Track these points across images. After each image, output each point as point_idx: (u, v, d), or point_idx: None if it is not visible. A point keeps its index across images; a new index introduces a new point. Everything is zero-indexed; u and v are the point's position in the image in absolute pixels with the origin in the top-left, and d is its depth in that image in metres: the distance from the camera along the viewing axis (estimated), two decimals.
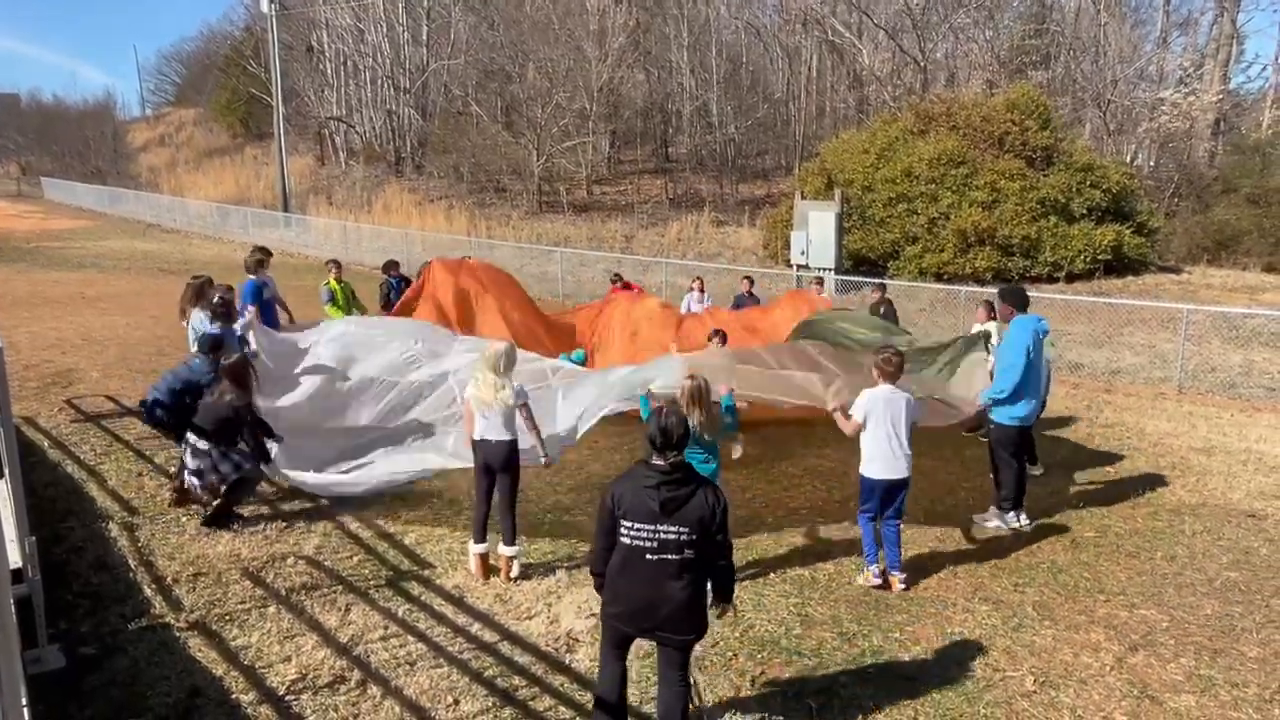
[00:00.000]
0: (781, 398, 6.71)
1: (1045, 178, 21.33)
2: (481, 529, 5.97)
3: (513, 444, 5.86)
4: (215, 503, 6.64)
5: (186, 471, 6.60)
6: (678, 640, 3.89)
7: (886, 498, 5.80)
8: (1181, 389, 11.69)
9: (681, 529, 3.73)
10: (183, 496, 6.89)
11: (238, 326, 8.10)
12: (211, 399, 6.63)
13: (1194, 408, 10.97)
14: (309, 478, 6.89)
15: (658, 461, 3.80)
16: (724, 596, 4.05)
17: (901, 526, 5.93)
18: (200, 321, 8.24)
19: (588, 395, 6.76)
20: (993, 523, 7.04)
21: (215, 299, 8.15)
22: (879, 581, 5.84)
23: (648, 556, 3.74)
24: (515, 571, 5.94)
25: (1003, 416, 6.95)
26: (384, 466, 7.01)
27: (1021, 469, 7.09)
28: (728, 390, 6.09)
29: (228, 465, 6.57)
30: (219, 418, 6.52)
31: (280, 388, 7.35)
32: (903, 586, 5.84)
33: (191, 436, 6.56)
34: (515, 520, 5.99)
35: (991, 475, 7.24)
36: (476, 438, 5.88)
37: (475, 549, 5.97)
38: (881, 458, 5.71)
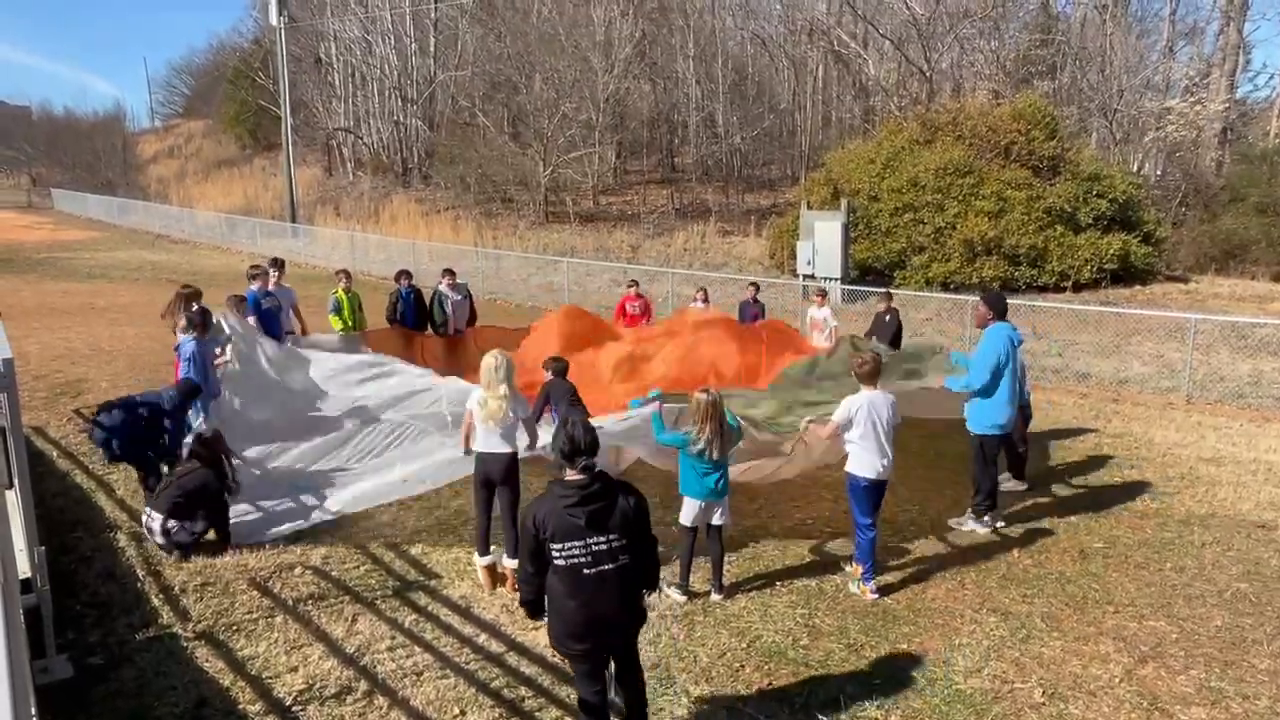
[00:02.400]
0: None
1: (1051, 187, 21.33)
2: (484, 541, 5.98)
3: (513, 456, 5.87)
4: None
5: (155, 536, 6.26)
6: (626, 639, 4.00)
7: (875, 499, 5.97)
8: (1190, 399, 11.64)
9: (611, 537, 3.74)
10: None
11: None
12: (181, 475, 6.43)
13: (1202, 417, 10.92)
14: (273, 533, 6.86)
15: (573, 476, 3.75)
16: (650, 586, 4.08)
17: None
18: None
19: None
20: (968, 526, 7.11)
21: (194, 309, 8.17)
22: (876, 595, 5.87)
23: (585, 573, 3.71)
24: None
25: (981, 425, 7.07)
26: (349, 493, 7.06)
27: (996, 474, 7.24)
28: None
29: (200, 523, 6.36)
30: (184, 492, 6.27)
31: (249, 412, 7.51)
32: (872, 592, 5.92)
33: (156, 516, 6.22)
34: (518, 532, 5.98)
35: (971, 482, 7.26)
36: (478, 450, 5.88)
37: (480, 561, 5.98)
38: (870, 459, 5.88)
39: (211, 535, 6.49)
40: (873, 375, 5.93)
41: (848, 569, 6.22)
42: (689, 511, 5.79)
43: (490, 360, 5.95)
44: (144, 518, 6.37)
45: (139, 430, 6.96)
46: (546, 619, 3.92)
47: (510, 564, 5.92)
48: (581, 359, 9.29)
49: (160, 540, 6.25)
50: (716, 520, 5.84)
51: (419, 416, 7.55)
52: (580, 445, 3.75)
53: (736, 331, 10.50)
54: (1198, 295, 20.53)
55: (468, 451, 6.02)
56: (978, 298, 7.86)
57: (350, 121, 44.36)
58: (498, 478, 5.86)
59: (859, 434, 5.85)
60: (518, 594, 5.76)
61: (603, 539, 3.72)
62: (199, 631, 5.25)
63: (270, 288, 10.35)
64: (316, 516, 6.92)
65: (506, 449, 5.82)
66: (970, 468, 7.29)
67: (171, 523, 6.20)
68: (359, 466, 7.36)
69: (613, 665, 4.05)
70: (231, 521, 6.59)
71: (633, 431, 6.50)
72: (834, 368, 8.98)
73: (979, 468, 7.13)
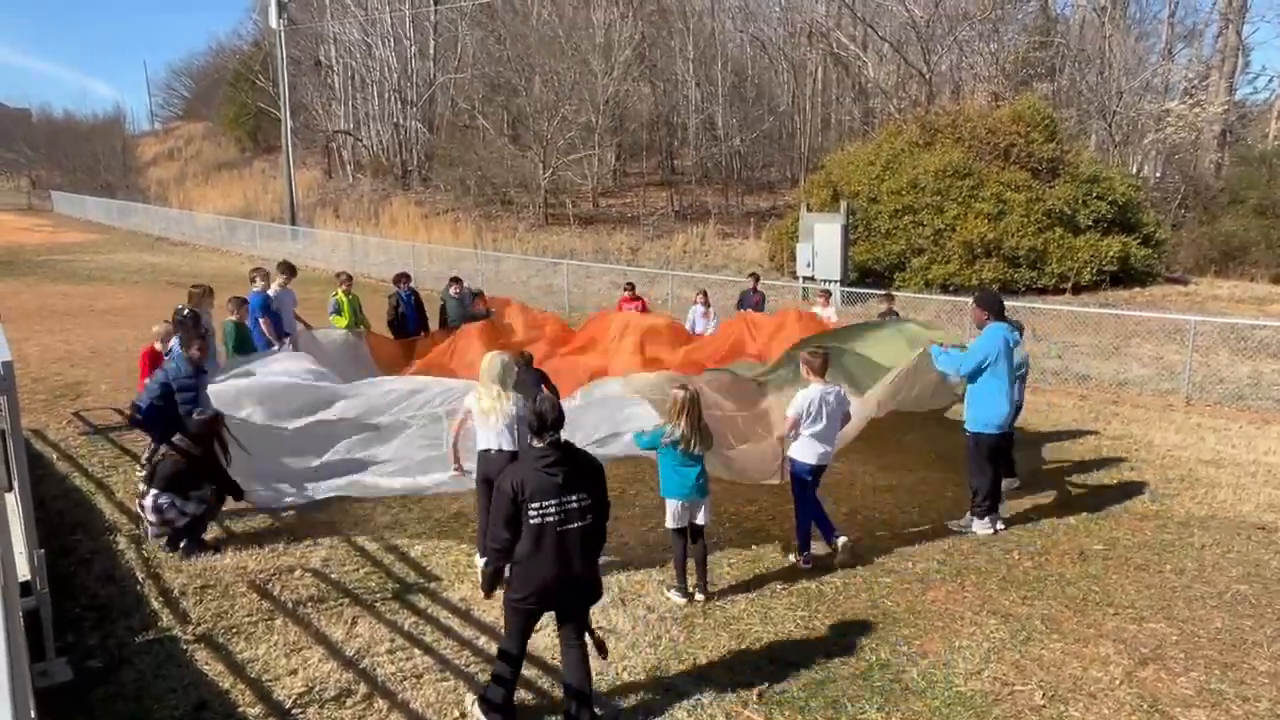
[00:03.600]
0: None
1: (1051, 189, 21.34)
2: (484, 543, 5.97)
3: (514, 455, 5.85)
4: (175, 535, 6.43)
5: (147, 514, 6.32)
6: (584, 608, 4.37)
7: (815, 480, 6.46)
8: (1189, 400, 11.64)
9: (581, 496, 4.16)
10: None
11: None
12: (171, 454, 6.42)
13: (1202, 419, 10.92)
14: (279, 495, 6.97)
15: (542, 444, 4.16)
16: (599, 549, 4.44)
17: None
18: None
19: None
20: (969, 528, 7.12)
21: (183, 310, 8.15)
22: (809, 566, 6.33)
23: (557, 530, 4.10)
24: None
25: (977, 424, 7.08)
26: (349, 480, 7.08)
27: (997, 475, 7.23)
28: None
29: (191, 505, 6.36)
30: (175, 472, 6.32)
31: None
32: (845, 546, 6.38)
33: (151, 491, 6.29)
34: (494, 498, 5.97)
35: (969, 481, 7.26)
36: (480, 448, 5.89)
37: (481, 563, 5.97)
38: (815, 446, 6.32)
39: (212, 535, 6.50)
40: (822, 369, 6.34)
41: (837, 558, 6.39)
42: (672, 513, 5.81)
43: (486, 360, 5.98)
44: (136, 500, 6.42)
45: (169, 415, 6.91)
46: (512, 582, 4.24)
47: None
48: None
49: (153, 519, 6.25)
50: (700, 519, 5.84)
51: (414, 417, 7.52)
52: (548, 420, 4.16)
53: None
54: (1197, 297, 20.54)
55: (456, 468, 6.08)
56: (972, 299, 7.87)
57: (350, 124, 44.39)
58: (497, 476, 5.85)
59: (806, 424, 6.27)
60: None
61: (574, 498, 4.14)
62: (198, 634, 5.25)
63: (272, 290, 10.38)
64: (320, 491, 6.95)
65: (508, 447, 5.81)
66: (966, 467, 7.27)
67: (164, 498, 6.21)
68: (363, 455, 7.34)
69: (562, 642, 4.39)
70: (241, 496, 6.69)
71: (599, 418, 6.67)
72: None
73: (974, 467, 7.12)
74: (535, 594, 4.17)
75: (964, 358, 7.08)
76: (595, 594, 4.38)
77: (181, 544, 6.37)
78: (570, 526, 4.12)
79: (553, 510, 4.08)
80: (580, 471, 4.19)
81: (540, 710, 4.58)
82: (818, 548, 6.49)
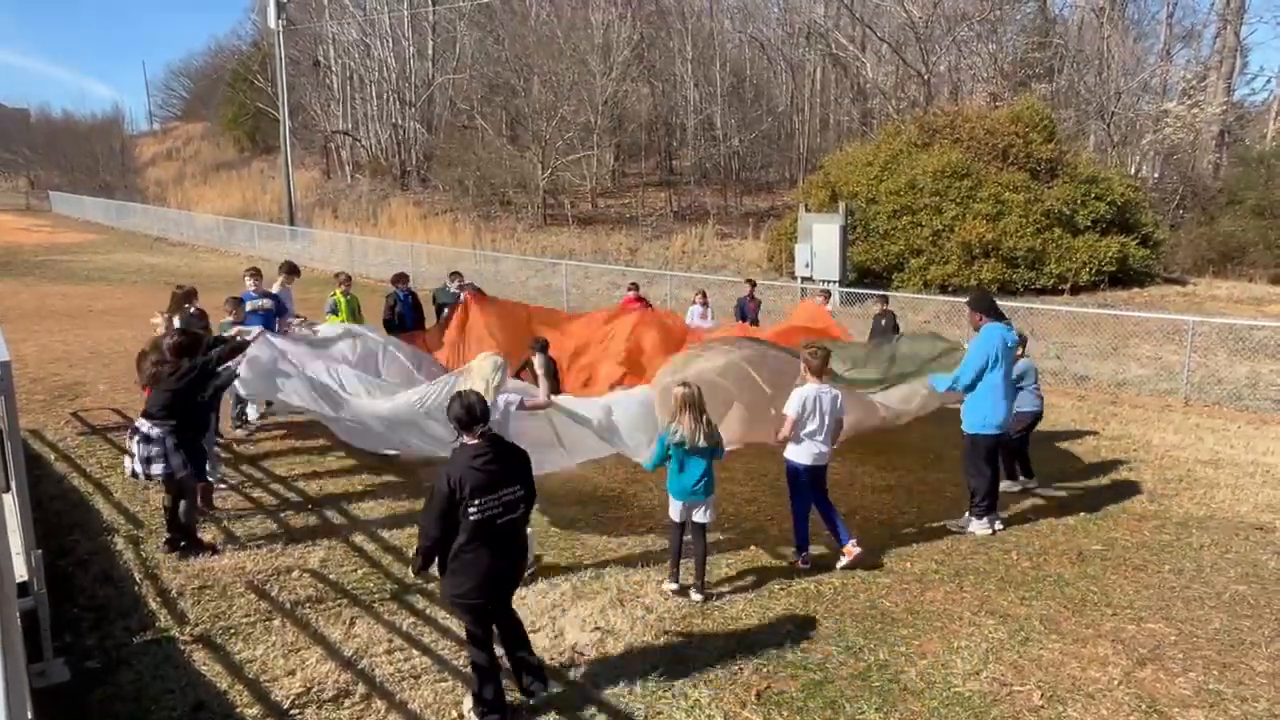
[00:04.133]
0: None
1: (1049, 190, 21.36)
2: None
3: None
4: (171, 535, 6.41)
5: (134, 460, 6.17)
6: (515, 585, 4.55)
7: (814, 481, 6.40)
8: (1188, 401, 11.65)
9: (515, 487, 4.27)
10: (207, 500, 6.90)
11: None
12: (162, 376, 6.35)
13: (1201, 420, 10.93)
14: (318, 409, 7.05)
15: (475, 440, 4.22)
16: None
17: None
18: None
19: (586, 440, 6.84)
20: (967, 528, 7.12)
21: (191, 310, 8.14)
22: (808, 566, 6.30)
23: (498, 523, 4.18)
24: (527, 572, 5.94)
25: (975, 425, 7.06)
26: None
27: (995, 476, 7.23)
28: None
29: (177, 459, 6.16)
30: (168, 392, 6.18)
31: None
32: (857, 550, 6.31)
33: (144, 423, 6.16)
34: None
35: (967, 482, 7.27)
36: None
37: None
38: (810, 447, 6.30)
39: (210, 536, 6.50)
40: (820, 369, 6.31)
41: (842, 562, 6.35)
42: (675, 508, 5.84)
43: (478, 360, 5.96)
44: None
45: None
46: (450, 579, 4.24)
47: None
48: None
49: (139, 450, 6.10)
50: (699, 518, 5.84)
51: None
52: (476, 414, 4.24)
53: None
54: (1195, 297, 20.56)
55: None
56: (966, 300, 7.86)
57: (348, 124, 44.39)
58: None
59: (803, 424, 6.24)
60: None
61: (509, 490, 4.23)
62: (196, 635, 5.24)
63: (276, 289, 10.40)
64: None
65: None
66: (964, 468, 7.27)
67: (157, 429, 6.09)
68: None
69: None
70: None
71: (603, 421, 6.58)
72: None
73: (973, 468, 7.10)
74: (478, 588, 4.21)
75: (961, 370, 7.04)
76: (522, 574, 4.60)
77: (181, 544, 6.37)
78: (509, 518, 4.23)
79: (492, 505, 4.14)
80: (512, 464, 4.29)
81: (540, 710, 4.58)
82: (815, 548, 6.49)
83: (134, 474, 6.26)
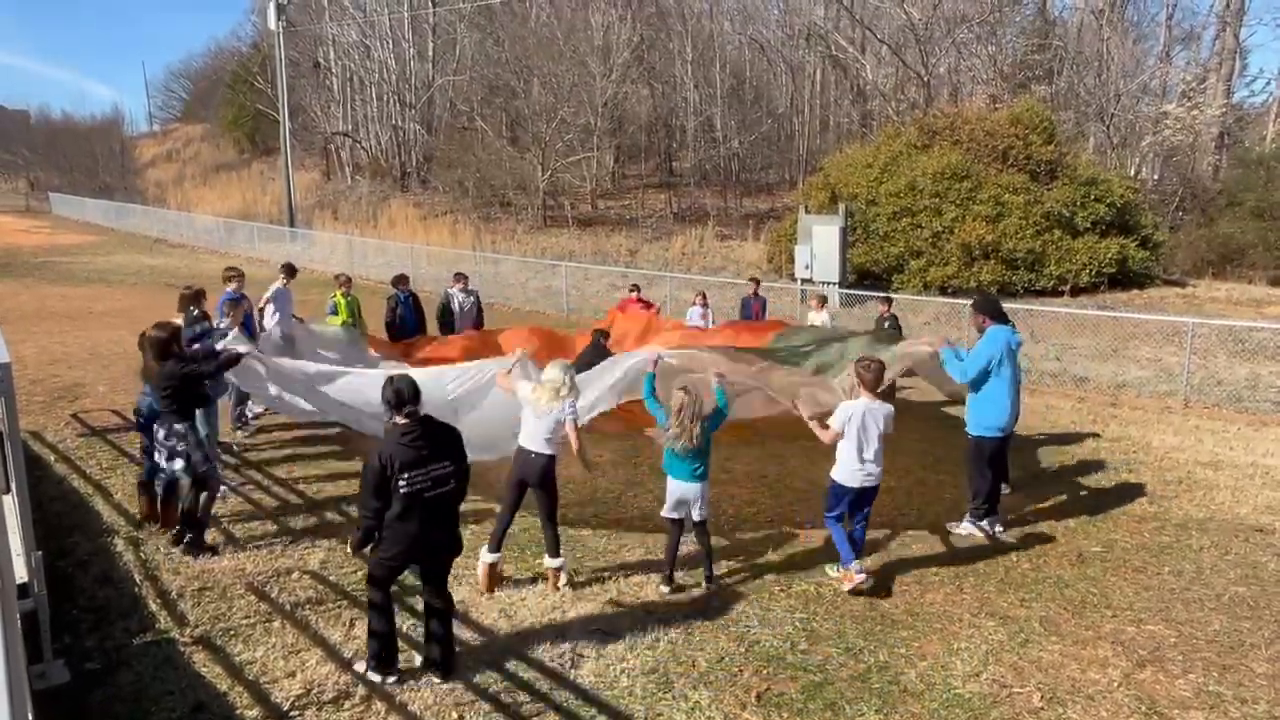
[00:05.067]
0: (758, 390, 6.95)
1: (1049, 191, 21.36)
2: (499, 540, 5.96)
3: (551, 460, 5.83)
4: (183, 528, 6.43)
5: (163, 462, 6.26)
6: (445, 563, 4.87)
7: (857, 503, 6.05)
8: (1187, 402, 11.65)
9: (445, 463, 4.61)
10: (152, 509, 6.84)
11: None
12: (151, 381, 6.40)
13: (1200, 421, 10.93)
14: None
15: (404, 420, 4.59)
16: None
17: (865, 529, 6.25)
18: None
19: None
20: (967, 530, 7.12)
21: (194, 313, 8.14)
22: (862, 578, 5.89)
23: (426, 496, 4.53)
24: (563, 582, 5.95)
25: (979, 428, 7.08)
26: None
27: (996, 478, 7.21)
28: (718, 380, 6.19)
29: (198, 454, 6.27)
30: (167, 388, 6.21)
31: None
32: (860, 578, 5.96)
33: (160, 430, 6.25)
34: (558, 532, 5.99)
35: (968, 484, 7.27)
36: (521, 445, 5.85)
37: (487, 558, 5.94)
38: (856, 466, 5.91)
39: (210, 537, 6.50)
40: (875, 383, 5.87)
41: (831, 573, 6.23)
42: (671, 496, 5.87)
43: (551, 366, 5.94)
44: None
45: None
46: (382, 545, 4.62)
47: (552, 564, 5.96)
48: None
49: (163, 452, 6.22)
50: (696, 515, 5.91)
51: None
52: (405, 396, 4.59)
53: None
54: (1195, 299, 20.56)
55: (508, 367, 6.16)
56: (970, 302, 7.87)
57: (348, 126, 44.40)
58: (533, 479, 5.82)
59: (850, 442, 5.89)
60: (558, 593, 5.85)
61: (439, 466, 4.58)
62: (196, 636, 5.24)
63: (273, 289, 10.41)
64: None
65: (547, 451, 5.79)
66: (966, 469, 7.29)
67: (173, 427, 6.21)
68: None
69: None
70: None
71: (615, 378, 6.56)
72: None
73: (975, 469, 7.13)
74: (402, 553, 4.64)
75: (968, 364, 7.03)
76: (455, 549, 4.86)
77: (186, 538, 6.38)
78: (438, 492, 4.57)
79: (420, 479, 4.50)
80: (441, 442, 4.64)
81: (540, 712, 4.58)
82: (816, 549, 6.49)
83: (155, 470, 6.39)
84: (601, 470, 8.47)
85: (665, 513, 5.96)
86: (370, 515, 4.55)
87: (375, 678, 4.78)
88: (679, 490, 5.87)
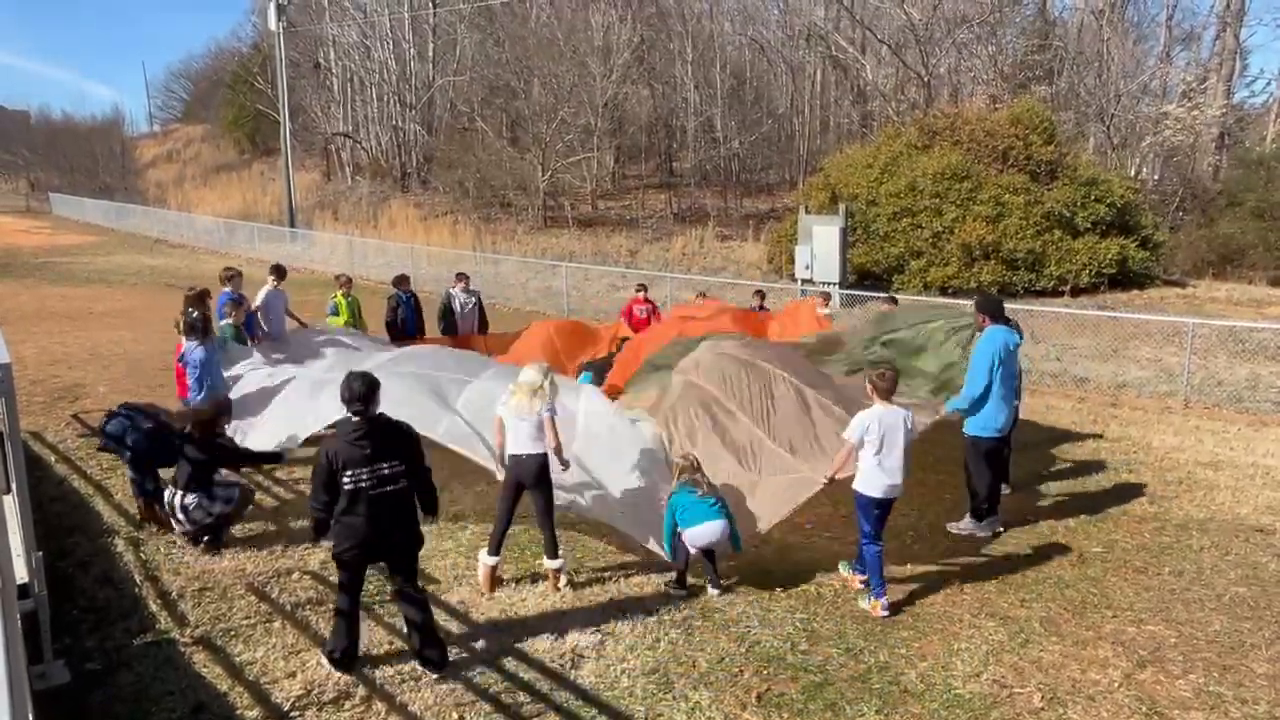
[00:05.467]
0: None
1: (1049, 192, 21.36)
2: (498, 543, 5.96)
3: (544, 458, 5.83)
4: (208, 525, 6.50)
5: (176, 514, 6.39)
6: (406, 557, 4.89)
7: (882, 514, 5.80)
8: (1188, 403, 11.65)
9: (392, 463, 4.69)
10: (151, 513, 6.86)
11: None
12: (183, 447, 6.53)
13: (1200, 421, 10.93)
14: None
15: (355, 418, 4.70)
16: (430, 510, 5.05)
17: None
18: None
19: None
20: (967, 530, 7.12)
21: (193, 314, 8.14)
22: (887, 612, 5.69)
23: (371, 494, 4.63)
24: (563, 583, 5.95)
25: (976, 428, 7.07)
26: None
27: (996, 478, 7.21)
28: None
29: (218, 505, 6.44)
30: (195, 462, 6.40)
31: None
32: (863, 585, 5.95)
33: (178, 493, 6.37)
34: (555, 532, 5.98)
35: (967, 485, 7.26)
36: (511, 452, 5.83)
37: (487, 560, 5.94)
38: (880, 475, 5.69)
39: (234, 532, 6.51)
40: (889, 391, 5.72)
41: (845, 573, 6.23)
42: (698, 542, 5.81)
43: (526, 369, 5.94)
44: (165, 495, 6.48)
45: (158, 444, 6.90)
46: (334, 539, 4.76)
47: (552, 565, 5.96)
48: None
49: (181, 517, 6.32)
50: (720, 551, 5.99)
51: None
52: (355, 394, 4.67)
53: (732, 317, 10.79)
54: (1195, 299, 20.56)
55: (502, 463, 5.94)
56: (971, 303, 7.88)
57: (349, 126, 44.41)
58: (529, 481, 5.82)
59: (870, 451, 5.66)
60: (558, 594, 5.88)
61: (385, 465, 4.66)
62: (197, 637, 5.24)
63: (263, 291, 10.34)
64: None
65: (538, 450, 5.78)
66: (965, 469, 7.29)
67: (189, 498, 6.28)
68: None
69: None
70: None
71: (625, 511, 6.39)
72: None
73: (973, 469, 7.13)
74: (353, 547, 4.70)
75: (971, 379, 6.98)
76: (415, 544, 4.91)
77: (204, 540, 6.39)
78: (383, 490, 4.65)
79: (364, 477, 4.61)
80: (389, 442, 4.72)
81: (540, 713, 4.58)
82: (818, 547, 6.48)
83: (187, 534, 6.48)
84: None
85: (690, 549, 5.87)
86: (319, 508, 4.74)
87: (325, 665, 4.90)
88: (705, 533, 5.76)
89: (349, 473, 4.61)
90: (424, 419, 6.24)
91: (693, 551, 5.87)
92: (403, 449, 4.77)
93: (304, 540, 6.68)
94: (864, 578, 5.96)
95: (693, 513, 5.79)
